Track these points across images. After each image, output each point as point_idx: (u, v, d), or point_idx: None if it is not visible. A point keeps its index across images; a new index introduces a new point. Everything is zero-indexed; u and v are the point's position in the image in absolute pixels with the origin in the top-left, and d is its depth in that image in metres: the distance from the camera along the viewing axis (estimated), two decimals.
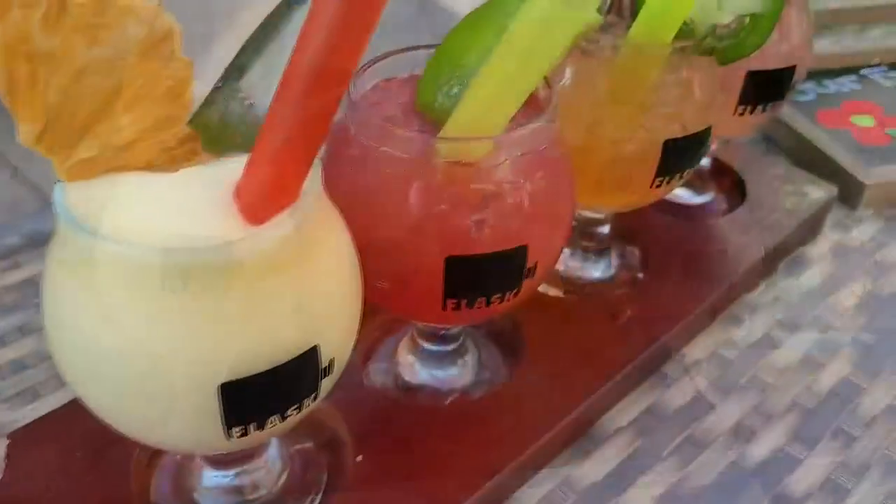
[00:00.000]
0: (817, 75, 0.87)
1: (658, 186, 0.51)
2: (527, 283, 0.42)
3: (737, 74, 0.58)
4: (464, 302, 0.41)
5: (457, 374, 0.52)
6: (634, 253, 0.63)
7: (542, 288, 0.58)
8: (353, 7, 0.27)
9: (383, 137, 0.39)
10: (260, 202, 0.31)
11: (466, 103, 0.37)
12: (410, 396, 0.51)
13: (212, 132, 0.33)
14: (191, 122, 0.32)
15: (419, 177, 0.39)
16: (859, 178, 0.70)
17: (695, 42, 0.48)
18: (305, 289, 0.33)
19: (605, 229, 0.59)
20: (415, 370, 0.51)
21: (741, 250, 0.63)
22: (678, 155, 0.50)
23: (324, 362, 0.34)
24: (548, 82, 0.43)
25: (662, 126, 0.49)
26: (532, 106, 0.42)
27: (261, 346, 0.31)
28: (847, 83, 0.87)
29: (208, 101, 0.33)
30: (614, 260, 0.61)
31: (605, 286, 0.60)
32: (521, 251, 0.40)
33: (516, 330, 0.54)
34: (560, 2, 0.31)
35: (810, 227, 0.67)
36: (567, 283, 0.59)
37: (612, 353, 0.53)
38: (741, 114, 0.59)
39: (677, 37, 0.48)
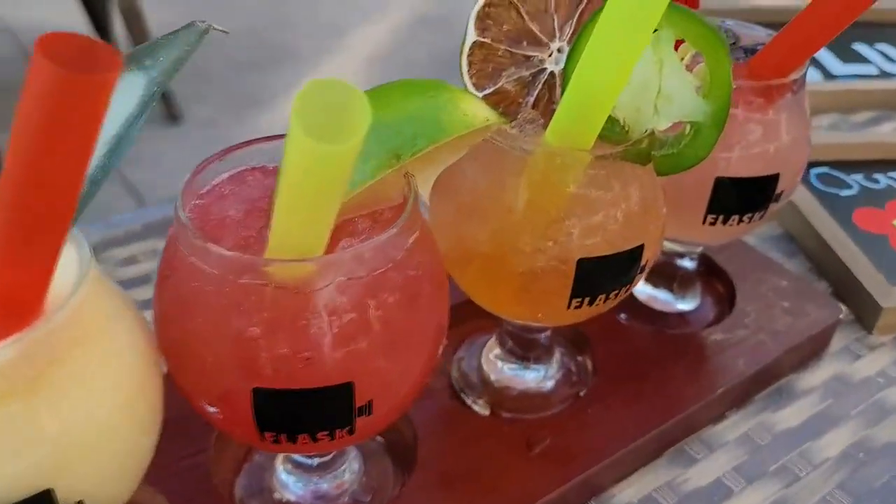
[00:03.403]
0: (868, 166, 0.77)
1: (578, 308, 0.44)
2: (365, 421, 0.37)
3: (707, 178, 0.50)
4: (282, 437, 0.36)
5: (333, 490, 0.46)
6: (585, 364, 0.56)
7: (466, 398, 0.52)
8: (63, 111, 0.23)
9: (193, 249, 0.34)
10: None
11: (278, 220, 0.32)
12: None
13: None
14: None
15: (225, 295, 0.34)
16: (877, 298, 0.60)
17: (626, 148, 0.42)
18: (38, 422, 0.29)
19: (544, 335, 0.53)
20: (289, 488, 0.46)
21: (714, 373, 0.55)
22: (600, 274, 0.43)
23: None
24: (409, 184, 0.37)
25: (577, 241, 0.42)
26: (381, 220, 0.37)
27: None
28: None
29: None
30: (555, 370, 0.54)
31: (539, 400, 0.53)
32: (346, 389, 0.35)
33: (415, 445, 0.49)
34: (316, 139, 0.25)
35: (804, 353, 0.58)
36: (496, 394, 0.53)
37: (517, 489, 0.46)
38: (712, 223, 0.51)
39: (609, 140, 0.42)
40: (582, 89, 0.38)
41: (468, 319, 0.56)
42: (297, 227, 0.31)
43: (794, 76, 0.49)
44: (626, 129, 0.42)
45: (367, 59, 2.75)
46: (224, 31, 0.31)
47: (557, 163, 0.41)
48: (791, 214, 0.70)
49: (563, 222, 0.42)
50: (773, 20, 0.72)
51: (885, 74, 0.94)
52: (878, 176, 0.75)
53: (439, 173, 0.45)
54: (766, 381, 0.56)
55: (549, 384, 0.54)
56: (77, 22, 2.44)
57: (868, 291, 0.61)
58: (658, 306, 0.60)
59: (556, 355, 0.55)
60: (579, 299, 0.44)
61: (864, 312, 0.61)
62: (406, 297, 0.36)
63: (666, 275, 0.60)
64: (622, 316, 0.59)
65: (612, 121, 0.42)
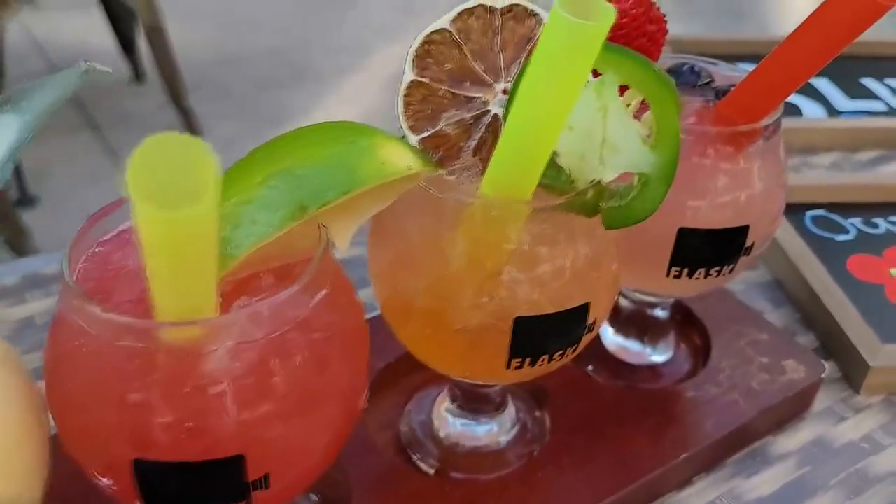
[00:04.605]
0: (867, 210, 0.73)
1: (519, 368, 0.41)
2: (264, 496, 0.34)
3: (670, 229, 0.46)
4: None
5: None
6: (543, 419, 0.52)
7: (412, 455, 0.49)
8: None
9: (72, 306, 0.32)
10: None
11: (152, 283, 0.30)
12: None
13: None
14: None
15: (105, 357, 0.32)
16: (865, 356, 0.56)
17: (569, 199, 0.39)
18: None
19: (494, 390, 0.50)
20: None
21: (680, 434, 0.51)
22: (541, 334, 0.40)
23: None
24: (320, 237, 0.35)
25: (514, 298, 0.39)
26: (291, 275, 0.34)
27: None
28: None
29: None
30: (509, 426, 0.51)
31: (490, 459, 0.50)
32: (236, 462, 0.32)
33: None
34: (157, 206, 0.23)
35: (781, 415, 0.54)
36: (444, 451, 0.50)
37: None
38: (677, 276, 0.48)
39: (554, 190, 0.39)
40: (515, 136, 0.35)
41: (422, 369, 0.53)
42: (170, 291, 0.28)
43: (766, 121, 0.46)
44: (572, 178, 0.39)
45: (389, 79, 2.74)
46: (107, 71, 0.29)
47: (493, 215, 0.38)
48: (780, 260, 0.66)
49: (500, 277, 0.39)
50: None
51: (893, 111, 0.89)
52: (877, 220, 0.71)
53: (378, 217, 0.42)
54: (738, 444, 0.52)
55: (503, 441, 0.51)
56: (104, 40, 2.47)
57: (856, 348, 0.57)
58: (628, 357, 0.57)
59: (512, 410, 0.51)
60: (519, 360, 0.41)
61: (852, 370, 0.57)
62: (310, 362, 0.34)
63: (637, 324, 0.57)
64: (589, 368, 0.56)
65: (557, 169, 0.39)
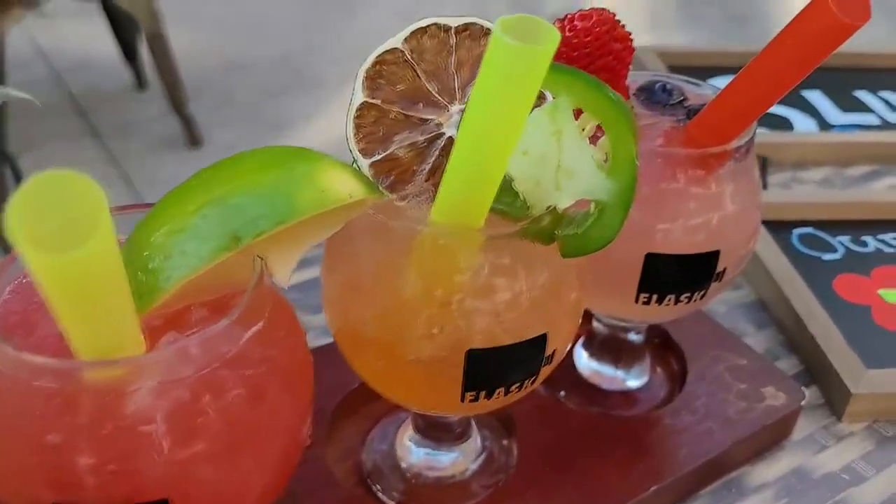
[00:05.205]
0: (856, 227, 0.71)
1: (474, 401, 0.40)
2: None
3: (637, 254, 0.45)
4: None
5: None
6: (511, 449, 0.50)
7: (373, 486, 0.48)
8: None
9: None
10: None
11: (62, 321, 0.28)
12: None
13: None
14: None
15: (22, 397, 0.30)
16: (847, 382, 0.54)
17: (524, 227, 0.37)
18: None
19: (456, 418, 0.48)
20: None
21: (651, 465, 0.49)
22: (495, 366, 0.39)
23: None
24: (255, 269, 0.33)
25: (466, 329, 0.37)
26: (227, 307, 0.33)
27: None
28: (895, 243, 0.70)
29: None
30: (475, 455, 0.49)
31: (454, 490, 0.48)
32: None
33: None
34: (44, 249, 0.21)
35: (759, 444, 0.52)
36: (407, 482, 0.48)
37: None
38: (646, 302, 0.46)
39: (511, 216, 0.38)
40: (463, 162, 0.34)
41: None
42: (80, 332, 0.27)
43: (736, 143, 0.44)
44: (528, 204, 0.38)
45: None
46: (29, 99, 0.27)
47: (442, 243, 0.37)
48: (764, 280, 0.64)
49: (450, 308, 0.37)
50: None
51: (887, 125, 0.87)
52: (866, 238, 0.69)
53: (331, 242, 0.41)
54: (712, 474, 0.51)
55: (468, 470, 0.49)
56: (107, 47, 2.47)
57: (838, 373, 0.55)
58: (602, 383, 0.55)
59: (478, 439, 0.50)
60: (474, 393, 0.39)
61: (834, 396, 0.56)
62: (243, 399, 0.32)
63: (611, 349, 0.55)
64: (561, 393, 0.54)
65: (513, 195, 0.38)
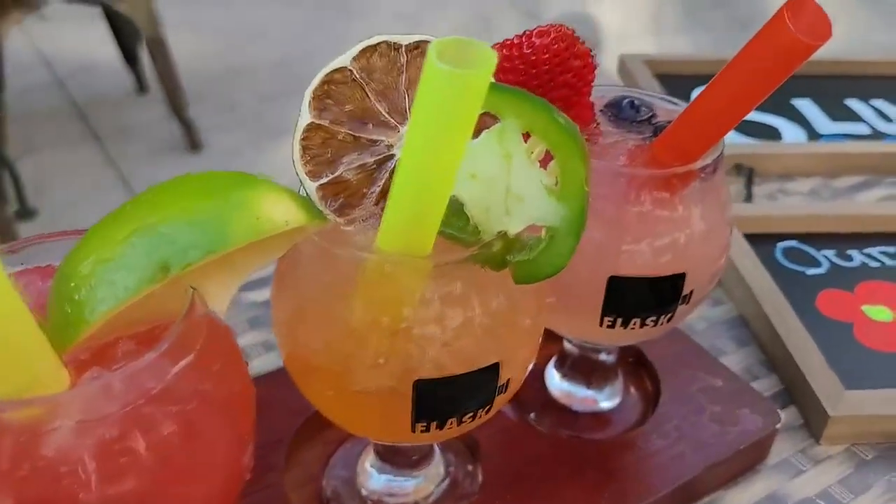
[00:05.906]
0: (842, 241, 0.69)
1: (425, 431, 0.38)
2: None
3: (600, 277, 0.44)
4: None
5: None
6: (475, 474, 0.49)
7: None
8: None
9: None
10: None
11: None
12: None
13: None
14: None
15: None
16: (825, 404, 0.53)
17: (473, 253, 0.36)
18: None
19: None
20: None
21: (619, 491, 0.48)
22: (445, 396, 0.37)
23: None
24: (186, 299, 0.32)
25: (414, 359, 0.36)
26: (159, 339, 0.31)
27: None
28: (883, 258, 0.68)
29: None
30: (437, 481, 0.48)
31: None
32: None
33: None
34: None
35: (733, 468, 0.51)
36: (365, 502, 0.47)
37: None
38: (611, 326, 0.45)
39: (461, 242, 0.36)
40: (405, 188, 0.33)
41: None
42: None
43: (701, 163, 0.43)
44: (479, 229, 0.37)
45: None
46: None
47: (387, 270, 0.35)
48: (745, 296, 0.62)
49: (396, 337, 0.36)
50: None
51: (877, 134, 0.85)
52: (852, 252, 0.68)
53: (280, 267, 0.40)
54: (684, 500, 0.49)
55: (431, 496, 0.48)
56: (108, 52, 2.47)
57: (816, 395, 0.54)
58: (574, 404, 0.54)
59: (441, 464, 0.49)
60: (424, 423, 0.38)
61: (812, 418, 0.54)
62: (172, 436, 0.31)
63: (583, 370, 0.54)
64: (531, 416, 0.53)
65: (465, 220, 0.37)
